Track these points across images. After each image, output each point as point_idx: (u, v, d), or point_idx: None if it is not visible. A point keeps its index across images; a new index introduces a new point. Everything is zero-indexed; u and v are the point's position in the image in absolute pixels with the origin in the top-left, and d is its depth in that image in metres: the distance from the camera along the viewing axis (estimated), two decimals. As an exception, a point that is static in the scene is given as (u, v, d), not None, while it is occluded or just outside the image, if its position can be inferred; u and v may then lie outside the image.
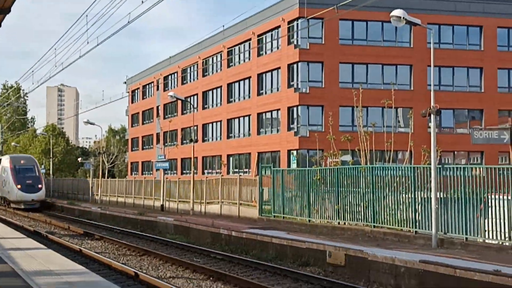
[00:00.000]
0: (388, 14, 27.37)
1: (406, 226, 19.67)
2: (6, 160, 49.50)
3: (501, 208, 16.60)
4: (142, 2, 18.94)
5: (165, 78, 72.90)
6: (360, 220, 21.85)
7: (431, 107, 18.36)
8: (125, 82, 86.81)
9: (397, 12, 26.00)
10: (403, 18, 26.18)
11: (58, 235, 27.33)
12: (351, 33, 49.17)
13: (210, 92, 63.10)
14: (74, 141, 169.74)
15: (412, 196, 19.38)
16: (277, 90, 51.19)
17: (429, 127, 23.42)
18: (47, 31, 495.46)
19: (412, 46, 49.38)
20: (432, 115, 18.28)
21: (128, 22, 21.76)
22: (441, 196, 18.16)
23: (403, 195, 19.91)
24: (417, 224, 19.19)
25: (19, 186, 46.16)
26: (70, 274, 12.33)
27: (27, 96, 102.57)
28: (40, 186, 47.23)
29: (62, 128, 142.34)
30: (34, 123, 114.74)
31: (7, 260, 14.11)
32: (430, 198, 18.14)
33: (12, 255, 15.12)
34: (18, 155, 55.51)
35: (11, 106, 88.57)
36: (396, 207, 20.23)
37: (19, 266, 13.24)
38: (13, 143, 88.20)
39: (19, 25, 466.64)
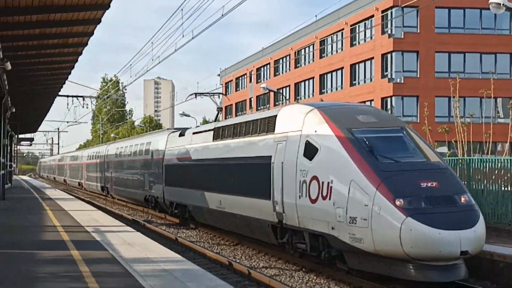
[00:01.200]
0: (487, 0, 26.51)
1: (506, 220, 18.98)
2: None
3: None
4: (235, -5, 19.13)
5: (258, 70, 73.41)
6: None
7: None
8: (219, 75, 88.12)
9: (496, -2, 25.14)
10: (503, 4, 25.27)
11: (155, 223, 28.14)
12: (447, 21, 47.81)
13: (302, 83, 63.03)
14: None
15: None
16: (371, 80, 50.50)
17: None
18: (144, 26, 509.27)
19: (512, 33, 47.45)
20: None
21: (222, 15, 22.06)
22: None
23: (504, 188, 19.20)
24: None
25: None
26: (166, 261, 12.70)
27: (125, 89, 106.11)
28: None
29: (159, 119, 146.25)
30: (132, 115, 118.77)
31: (108, 248, 14.69)
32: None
33: (112, 242, 15.73)
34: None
35: (111, 98, 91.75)
36: (496, 201, 19.54)
37: (119, 253, 13.76)
38: (112, 135, 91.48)
39: (118, 20, 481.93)
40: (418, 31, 47.38)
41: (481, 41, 46.97)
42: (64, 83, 30.82)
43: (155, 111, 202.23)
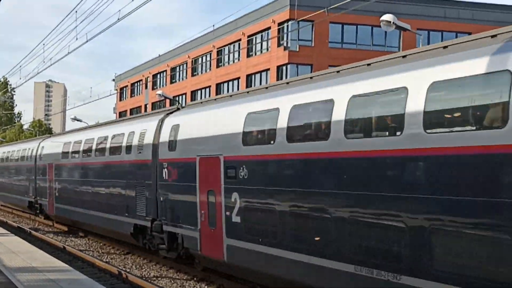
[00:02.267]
0: (378, 18, 27.58)
1: None
2: None
3: None
4: (132, 0, 18.85)
5: (154, 76, 72.70)
6: None
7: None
8: (114, 80, 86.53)
9: (387, 17, 26.26)
10: (393, 22, 26.46)
11: (42, 231, 27.16)
12: (340, 36, 49.27)
13: (199, 91, 62.99)
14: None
15: None
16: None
17: None
18: (36, 26, 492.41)
19: (400, 51, 49.53)
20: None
21: (118, 19, 21.65)
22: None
23: None
24: None
25: None
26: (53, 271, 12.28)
27: (14, 91, 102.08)
28: None
29: (49, 124, 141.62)
30: (21, 118, 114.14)
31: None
32: None
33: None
34: None
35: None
36: None
37: (2, 262, 13.17)
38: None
39: (7, 17, 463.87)
40: (313, 45, 48.52)
41: (372, 56, 48.34)
42: None
43: (46, 115, 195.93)
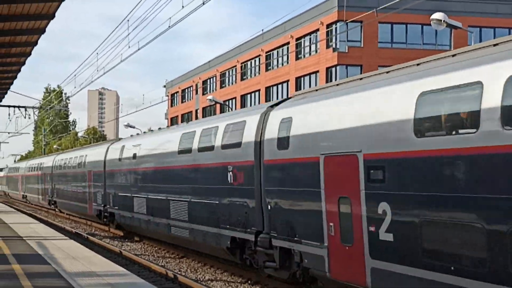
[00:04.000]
0: (428, 17, 27.21)
1: None
2: None
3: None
4: (183, 7, 19.14)
5: (204, 82, 73.37)
6: None
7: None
8: (165, 86, 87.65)
9: (437, 15, 25.91)
10: (444, 21, 26.06)
11: (99, 236, 27.72)
12: (390, 36, 48.83)
13: (249, 95, 63.29)
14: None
15: None
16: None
17: None
18: (89, 34, 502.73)
19: (452, 49, 48.78)
20: None
21: (169, 26, 21.98)
22: None
23: None
24: None
25: None
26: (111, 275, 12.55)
27: (69, 100, 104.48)
28: None
29: (103, 131, 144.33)
30: (75, 126, 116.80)
31: (50, 261, 14.41)
32: None
33: (55, 255, 15.43)
34: None
35: (54, 109, 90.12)
36: None
37: (62, 267, 13.52)
38: (55, 146, 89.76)
39: (62, 29, 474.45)
40: (362, 46, 48.23)
41: (423, 56, 47.86)
42: (6, 93, 30.13)
43: (99, 122, 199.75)
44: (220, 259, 18.40)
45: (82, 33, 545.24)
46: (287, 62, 55.91)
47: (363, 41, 48.31)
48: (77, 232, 29.04)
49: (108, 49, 63.09)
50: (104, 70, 30.49)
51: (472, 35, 30.67)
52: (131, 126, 55.63)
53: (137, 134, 30.79)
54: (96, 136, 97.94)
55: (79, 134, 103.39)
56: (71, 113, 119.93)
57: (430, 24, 26.73)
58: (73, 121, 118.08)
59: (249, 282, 15.84)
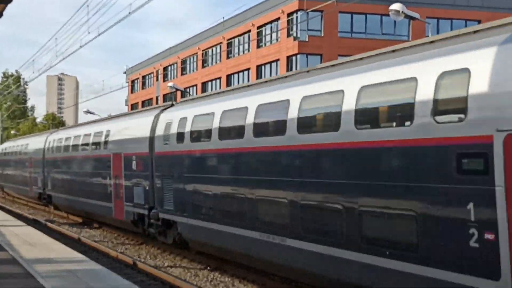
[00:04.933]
0: (387, 7, 27.60)
1: None
2: None
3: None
4: (143, -6, 19.08)
5: (165, 68, 72.99)
6: None
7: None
8: (125, 72, 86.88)
9: (396, 6, 26.30)
10: (402, 12, 26.48)
11: (57, 223, 27.56)
12: (350, 26, 49.28)
13: (210, 83, 63.23)
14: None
15: None
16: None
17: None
18: (48, 21, 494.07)
19: (410, 39, 49.47)
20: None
21: (129, 12, 21.90)
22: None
23: None
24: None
25: None
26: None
27: (27, 85, 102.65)
28: None
29: (62, 117, 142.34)
30: (34, 112, 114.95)
31: (7, 248, 14.36)
32: None
33: (12, 242, 15.37)
34: None
35: (11, 94, 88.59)
36: None
37: (19, 254, 13.49)
38: (13, 131, 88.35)
39: (19, 13, 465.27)
40: (322, 35, 48.57)
41: (381, 46, 48.30)
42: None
43: (59, 108, 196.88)
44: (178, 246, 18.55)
45: (41, 19, 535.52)
46: (248, 50, 55.99)
47: (323, 31, 48.65)
48: (35, 219, 28.81)
49: (67, 34, 62.24)
50: (64, 56, 30.14)
51: (430, 26, 31.15)
52: (90, 112, 55.07)
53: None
54: (55, 122, 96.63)
55: (38, 120, 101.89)
56: (29, 98, 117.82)
57: (389, 15, 27.13)
58: (31, 106, 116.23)
59: (208, 268, 16.02)
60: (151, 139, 18.57)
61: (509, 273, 7.78)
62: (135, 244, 20.94)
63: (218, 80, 61.21)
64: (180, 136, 16.54)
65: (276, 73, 51.22)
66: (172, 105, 19.38)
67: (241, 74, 57.08)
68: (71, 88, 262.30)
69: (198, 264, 16.66)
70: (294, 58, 48.97)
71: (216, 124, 14.74)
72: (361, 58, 11.52)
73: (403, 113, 9.54)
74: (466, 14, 50.17)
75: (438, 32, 49.07)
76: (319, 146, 11.14)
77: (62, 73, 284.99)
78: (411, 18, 28.72)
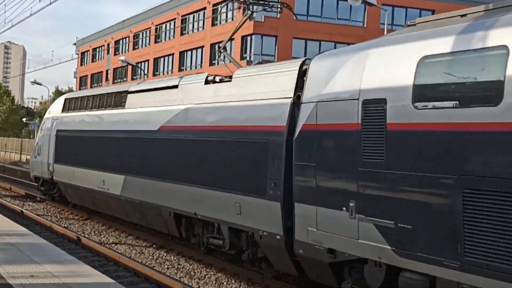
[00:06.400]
0: (344, -8, 27.56)
1: None
2: None
3: None
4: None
5: (117, 42, 71.72)
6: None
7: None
8: (75, 44, 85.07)
9: (353, -9, 26.34)
10: (359, -3, 26.55)
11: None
12: (306, 8, 49.25)
13: (162, 59, 62.45)
14: (19, 101, 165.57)
15: None
16: (230, 62, 50.99)
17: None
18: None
19: (365, 26, 49.79)
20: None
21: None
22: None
23: None
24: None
25: None
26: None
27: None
28: None
29: (7, 86, 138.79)
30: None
31: None
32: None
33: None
34: None
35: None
36: None
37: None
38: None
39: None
40: (278, 17, 48.44)
41: (337, 30, 48.85)
42: None
43: (4, 77, 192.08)
44: (124, 222, 18.28)
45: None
46: (203, 28, 55.45)
47: (279, 12, 48.46)
48: (-24, 190, 28.01)
49: (17, 0, 60.45)
50: (12, 23, 29.21)
51: (386, 13, 31.31)
52: (37, 83, 53.83)
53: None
54: (0, 92, 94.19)
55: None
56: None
57: (346, 0, 27.15)
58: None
59: (154, 246, 15.82)
60: None
61: None
62: (79, 220, 20.54)
63: (170, 57, 60.51)
64: None
65: (231, 52, 50.90)
66: None
67: (194, 51, 56.53)
68: (18, 57, 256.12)
69: (143, 241, 16.44)
70: (249, 38, 48.72)
71: None
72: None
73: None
74: (420, 4, 50.79)
75: (393, 20, 49.54)
76: None
77: (9, 41, 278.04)
78: (367, 4, 28.88)
